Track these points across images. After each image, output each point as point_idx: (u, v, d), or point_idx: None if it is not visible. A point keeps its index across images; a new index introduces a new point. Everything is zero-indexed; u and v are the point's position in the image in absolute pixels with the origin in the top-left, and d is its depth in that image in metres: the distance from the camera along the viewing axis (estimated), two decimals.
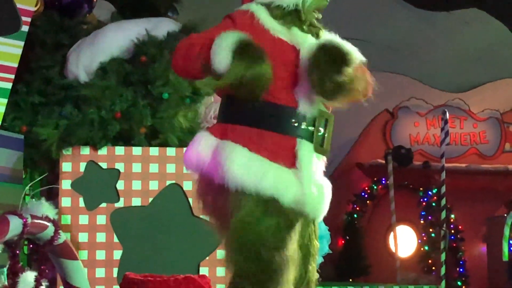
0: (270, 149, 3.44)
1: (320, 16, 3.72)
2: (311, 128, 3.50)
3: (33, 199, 6.25)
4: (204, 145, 3.54)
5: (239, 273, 3.35)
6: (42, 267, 3.35)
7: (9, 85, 5.98)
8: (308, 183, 3.43)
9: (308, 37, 3.55)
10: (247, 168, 3.40)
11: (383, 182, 12.67)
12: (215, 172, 3.46)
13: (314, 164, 3.50)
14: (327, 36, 3.61)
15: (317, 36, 3.65)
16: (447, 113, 10.55)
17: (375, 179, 13.16)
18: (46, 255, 3.36)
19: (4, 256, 4.47)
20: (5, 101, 5.97)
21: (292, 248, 3.38)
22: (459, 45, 14.35)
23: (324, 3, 3.69)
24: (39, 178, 6.60)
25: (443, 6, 15.72)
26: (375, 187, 13.21)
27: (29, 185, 6.47)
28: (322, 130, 3.53)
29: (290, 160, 3.44)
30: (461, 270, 12.82)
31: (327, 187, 3.57)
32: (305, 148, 3.47)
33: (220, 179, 3.42)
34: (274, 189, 3.38)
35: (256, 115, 3.49)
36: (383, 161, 12.54)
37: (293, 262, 3.41)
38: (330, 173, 12.56)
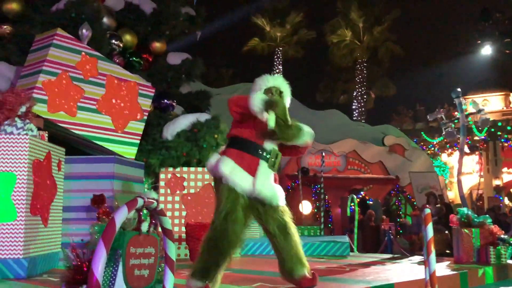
0: (245, 163, 3.94)
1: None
2: (268, 156, 4.01)
3: (147, 190, 7.30)
4: (214, 158, 4.10)
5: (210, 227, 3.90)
6: (152, 220, 3.35)
7: (137, 142, 7.14)
8: (259, 184, 3.89)
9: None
10: (230, 170, 3.90)
11: (297, 182, 14.55)
12: (217, 171, 3.97)
13: (267, 174, 3.97)
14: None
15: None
16: (323, 153, 13.44)
17: (293, 180, 15.29)
18: (153, 214, 3.22)
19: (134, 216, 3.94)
20: (136, 148, 7.09)
21: (240, 213, 3.84)
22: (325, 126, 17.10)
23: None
24: (151, 181, 7.83)
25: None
26: (293, 184, 15.22)
27: (146, 184, 7.60)
28: (273, 158, 4.01)
29: (253, 171, 3.94)
30: (330, 219, 15.16)
31: (277, 189, 4.02)
32: (263, 165, 3.97)
33: (218, 174, 3.96)
34: (238, 183, 3.87)
35: (241, 145, 4.01)
36: (297, 173, 14.60)
37: (238, 221, 3.83)
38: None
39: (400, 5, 34.58)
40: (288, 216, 4.08)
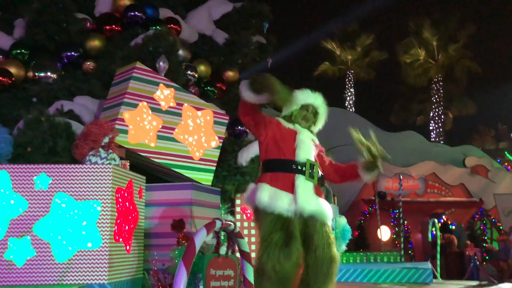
0: (280, 183, 3.69)
1: (311, 117, 3.96)
2: (304, 168, 3.73)
3: (225, 214, 7.50)
4: (250, 188, 3.87)
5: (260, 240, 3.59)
6: (230, 242, 3.49)
7: (214, 168, 7.32)
8: (300, 199, 3.62)
9: (303, 129, 3.89)
10: (268, 195, 3.65)
11: (374, 207, 14.38)
12: (254, 200, 3.70)
13: (307, 187, 3.69)
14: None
15: (309, 128, 3.98)
16: (401, 176, 13.09)
17: (370, 205, 15.16)
18: (230, 236, 3.30)
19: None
20: (212, 175, 7.24)
21: (285, 234, 3.50)
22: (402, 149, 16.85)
23: (304, 113, 3.94)
24: (227, 206, 7.89)
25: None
26: (370, 209, 15.10)
27: (222, 210, 7.60)
28: (310, 169, 3.73)
29: (292, 188, 3.67)
30: (410, 245, 14.76)
31: (322, 202, 3.75)
32: (300, 179, 3.71)
33: (256, 204, 3.69)
34: (279, 205, 3.58)
35: (273, 166, 3.76)
36: (374, 198, 14.49)
37: (286, 240, 3.48)
38: (351, 202, 15.06)
39: (475, 20, 33.43)
40: (332, 237, 3.71)
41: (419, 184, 16.43)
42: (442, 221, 14.21)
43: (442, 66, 32.74)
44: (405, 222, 14.49)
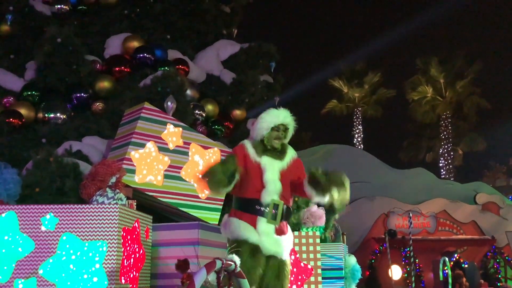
0: (246, 219, 4.02)
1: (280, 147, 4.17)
2: (266, 209, 3.96)
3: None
4: (224, 220, 4.25)
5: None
6: (230, 282, 3.45)
7: (220, 207, 7.24)
8: (263, 237, 3.93)
9: (271, 163, 4.04)
10: (235, 226, 4.04)
11: (384, 245, 13.83)
12: (224, 231, 4.18)
13: (268, 230, 3.96)
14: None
15: (280, 159, 4.14)
16: (410, 213, 12.86)
17: (380, 244, 14.97)
18: (231, 276, 3.34)
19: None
20: (219, 214, 7.15)
21: (254, 262, 3.85)
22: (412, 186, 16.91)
23: (277, 141, 4.12)
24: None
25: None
26: (380, 248, 14.86)
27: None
28: (274, 210, 3.95)
29: (255, 225, 3.97)
30: (422, 284, 14.59)
31: (283, 240, 4.02)
32: (261, 222, 3.98)
33: (227, 235, 4.15)
34: (245, 235, 3.94)
35: (239, 204, 4.08)
36: (384, 236, 13.94)
37: (252, 267, 3.83)
38: (361, 241, 14.89)
39: (482, 56, 33.67)
40: (288, 270, 4.04)
41: (429, 221, 16.24)
42: (454, 259, 14.03)
43: (450, 102, 32.80)
44: (417, 260, 14.36)
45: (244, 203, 4.01)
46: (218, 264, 3.51)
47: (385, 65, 35.39)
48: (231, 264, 3.73)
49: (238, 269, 3.86)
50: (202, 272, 2.73)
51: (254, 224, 3.98)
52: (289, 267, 4.07)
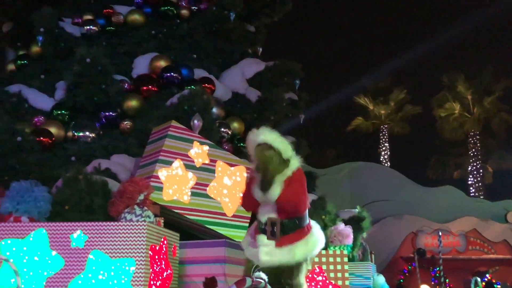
0: (251, 234, 4.28)
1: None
2: (263, 226, 4.13)
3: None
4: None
5: None
6: None
7: (247, 225, 7.06)
8: (261, 258, 4.04)
9: None
10: (244, 245, 4.32)
11: (413, 264, 13.92)
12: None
13: (266, 246, 4.07)
14: None
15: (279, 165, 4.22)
16: (440, 232, 12.72)
17: (409, 263, 14.87)
18: None
19: None
20: (245, 231, 5.98)
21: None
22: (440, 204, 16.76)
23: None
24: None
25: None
26: (409, 267, 14.77)
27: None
28: (271, 228, 4.06)
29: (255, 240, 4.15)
30: None
31: (282, 255, 4.07)
32: (260, 238, 4.11)
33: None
34: (249, 255, 4.16)
35: (253, 220, 4.36)
36: (413, 255, 14.13)
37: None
38: (389, 260, 14.69)
39: (509, 73, 33.08)
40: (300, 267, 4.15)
41: (459, 240, 16.00)
42: (486, 279, 13.73)
43: (478, 119, 32.28)
44: (447, 280, 14.05)
45: (252, 219, 4.27)
46: (248, 281, 3.64)
47: (411, 81, 34.93)
48: (260, 282, 3.88)
49: (269, 287, 3.99)
50: None
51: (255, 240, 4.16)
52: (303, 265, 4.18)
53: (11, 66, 10.43)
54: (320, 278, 7.38)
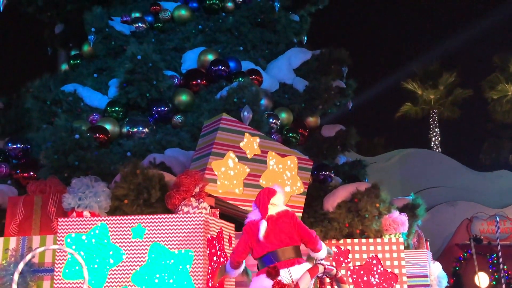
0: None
1: None
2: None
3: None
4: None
5: None
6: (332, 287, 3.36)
7: (300, 214, 7.19)
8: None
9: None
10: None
11: (469, 252, 13.69)
12: None
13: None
14: None
15: None
16: (497, 218, 12.17)
17: (465, 250, 14.45)
18: (333, 282, 3.36)
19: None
20: None
21: None
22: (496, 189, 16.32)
23: None
24: None
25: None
26: (465, 254, 14.35)
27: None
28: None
29: None
30: None
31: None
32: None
33: None
34: None
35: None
36: (468, 242, 13.83)
37: None
38: (444, 248, 14.37)
39: None
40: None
41: None
42: None
43: None
44: (505, 267, 13.54)
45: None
46: (321, 269, 3.65)
47: (460, 64, 33.86)
48: (332, 269, 3.92)
49: (340, 274, 4.05)
50: (306, 277, 2.78)
51: None
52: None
53: (65, 66, 10.74)
54: (379, 268, 7.28)
